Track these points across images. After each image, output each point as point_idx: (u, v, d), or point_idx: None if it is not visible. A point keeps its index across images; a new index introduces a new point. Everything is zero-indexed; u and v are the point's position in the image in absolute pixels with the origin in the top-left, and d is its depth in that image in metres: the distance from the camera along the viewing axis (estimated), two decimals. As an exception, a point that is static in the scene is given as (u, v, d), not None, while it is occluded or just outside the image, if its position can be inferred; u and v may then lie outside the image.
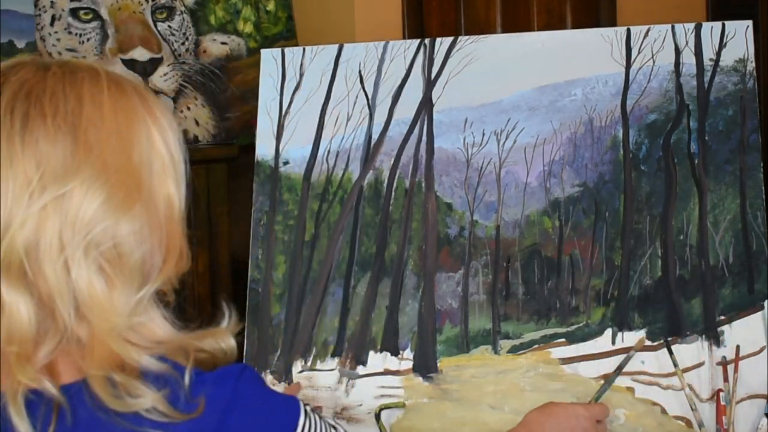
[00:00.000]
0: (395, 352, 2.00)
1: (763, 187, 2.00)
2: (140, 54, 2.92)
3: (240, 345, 2.04)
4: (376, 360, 2.00)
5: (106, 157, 1.06)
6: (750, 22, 2.07)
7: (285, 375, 2.01)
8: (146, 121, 1.11)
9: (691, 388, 1.90)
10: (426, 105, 2.11)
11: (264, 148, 2.12)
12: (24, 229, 1.00)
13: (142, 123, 1.10)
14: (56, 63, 1.12)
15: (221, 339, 1.15)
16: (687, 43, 2.07)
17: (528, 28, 3.42)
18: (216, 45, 3.06)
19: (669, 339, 1.95)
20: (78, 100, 1.08)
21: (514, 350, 1.99)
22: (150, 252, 1.09)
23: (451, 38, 2.13)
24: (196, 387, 1.07)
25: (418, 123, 2.10)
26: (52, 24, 2.87)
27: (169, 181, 1.12)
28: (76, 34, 2.89)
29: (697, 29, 2.07)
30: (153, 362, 1.06)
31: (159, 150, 1.11)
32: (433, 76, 2.12)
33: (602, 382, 1.90)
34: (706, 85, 2.05)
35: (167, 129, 1.13)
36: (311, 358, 2.02)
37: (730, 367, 1.91)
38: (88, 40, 2.90)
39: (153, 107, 1.13)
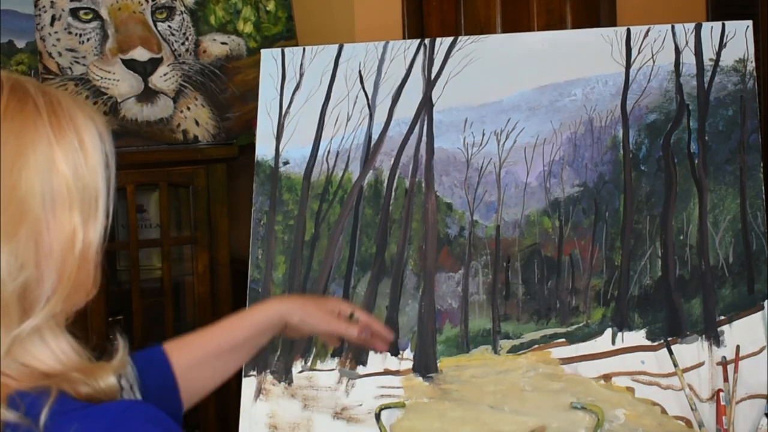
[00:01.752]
0: (395, 352, 2.00)
1: (763, 187, 2.00)
2: (140, 54, 2.92)
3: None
4: (376, 360, 2.00)
5: None
6: (750, 22, 2.07)
7: (285, 375, 2.01)
8: (50, 142, 1.02)
9: (691, 388, 1.90)
10: (426, 105, 2.11)
11: (264, 148, 2.12)
12: None
13: (41, 145, 1.02)
14: None
15: (100, 377, 1.06)
16: (687, 43, 2.07)
17: (528, 28, 3.42)
18: (216, 45, 3.06)
19: (669, 339, 1.95)
20: None
21: (514, 350, 1.99)
22: (35, 281, 1.02)
23: (451, 38, 2.13)
24: (58, 426, 0.98)
25: (418, 123, 2.10)
26: (52, 24, 2.87)
27: (72, 212, 1.03)
28: (76, 34, 2.89)
29: (697, 29, 2.07)
30: (5, 413, 0.97)
31: (62, 177, 1.03)
32: (433, 76, 2.12)
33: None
34: (706, 85, 2.05)
35: (83, 152, 1.05)
36: (311, 358, 2.02)
37: (730, 367, 1.91)
38: (88, 40, 2.90)
39: (68, 127, 1.05)
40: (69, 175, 1.03)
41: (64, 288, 1.04)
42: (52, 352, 1.05)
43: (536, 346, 1.98)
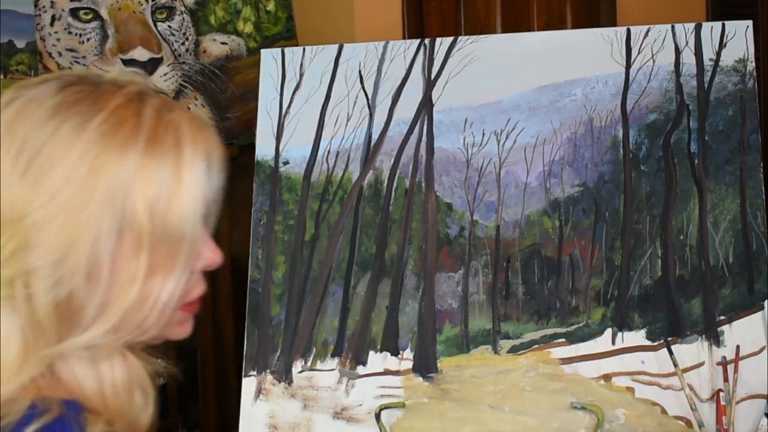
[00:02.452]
0: (395, 352, 2.00)
1: (763, 187, 2.00)
2: (140, 54, 2.92)
3: (240, 345, 2.04)
4: (376, 360, 2.00)
5: (56, 196, 0.96)
6: (750, 22, 2.07)
7: (285, 375, 2.01)
8: (133, 172, 0.97)
9: (691, 388, 1.90)
10: (426, 105, 2.11)
11: (264, 148, 2.12)
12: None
13: (119, 173, 0.96)
14: (78, 86, 1.02)
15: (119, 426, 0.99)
16: (687, 43, 2.07)
17: (528, 28, 3.42)
18: (216, 45, 3.06)
19: (669, 339, 1.95)
20: (54, 128, 0.98)
21: (514, 350, 1.99)
22: (78, 306, 0.97)
23: (451, 38, 2.13)
24: None
25: (418, 123, 2.10)
26: (52, 24, 2.87)
27: (139, 255, 0.97)
28: (76, 34, 2.89)
29: (697, 29, 2.07)
30: None
31: (136, 214, 0.97)
32: (433, 76, 2.12)
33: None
34: (706, 85, 2.05)
35: (176, 192, 0.98)
36: (311, 358, 2.02)
37: (730, 367, 1.91)
38: (88, 40, 2.90)
39: (166, 160, 0.98)
40: (144, 216, 0.97)
41: (107, 322, 0.98)
42: (97, 381, 1.00)
43: (536, 346, 1.98)
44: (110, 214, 0.96)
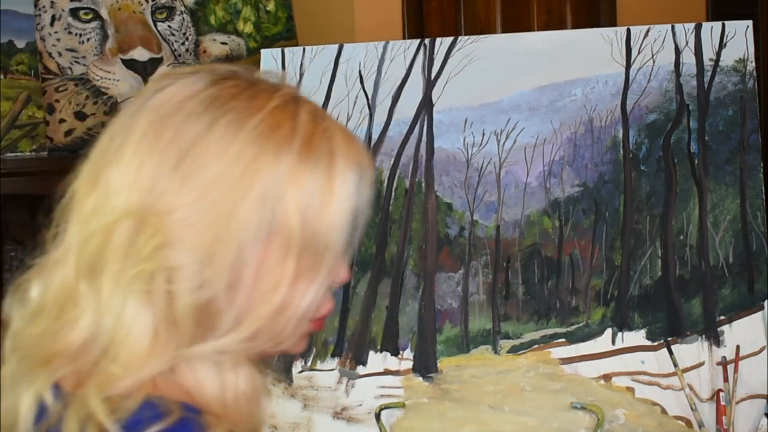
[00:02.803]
0: (395, 352, 2.00)
1: (763, 187, 2.00)
2: (140, 54, 2.92)
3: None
4: (376, 360, 2.00)
5: (209, 194, 0.93)
6: (750, 22, 2.07)
7: (285, 375, 2.01)
8: (286, 176, 0.94)
9: (691, 388, 1.90)
10: (426, 105, 2.11)
11: (264, 148, 2.12)
12: (102, 231, 0.95)
13: (277, 176, 0.94)
14: (236, 80, 1.00)
15: None
16: (687, 43, 2.07)
17: (528, 28, 3.42)
18: (216, 45, 3.06)
19: (669, 339, 1.95)
20: (209, 123, 0.96)
21: (514, 350, 1.99)
22: (218, 309, 0.94)
23: (451, 38, 2.13)
24: None
25: (418, 123, 2.10)
26: (52, 24, 2.87)
27: (287, 259, 0.94)
28: (76, 34, 2.89)
29: (697, 29, 2.07)
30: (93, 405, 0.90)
31: (287, 217, 0.94)
32: (433, 76, 2.12)
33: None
34: (706, 85, 2.05)
35: (327, 200, 0.95)
36: (311, 358, 2.02)
37: (730, 367, 1.91)
38: (88, 40, 2.90)
39: (319, 167, 0.95)
40: (295, 222, 0.94)
41: (246, 329, 0.95)
42: (220, 388, 0.96)
43: (536, 346, 1.98)
44: (261, 218, 0.93)
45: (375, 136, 2.11)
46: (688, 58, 2.06)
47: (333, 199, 0.96)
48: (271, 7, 3.16)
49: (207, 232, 0.92)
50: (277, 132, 0.95)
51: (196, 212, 0.92)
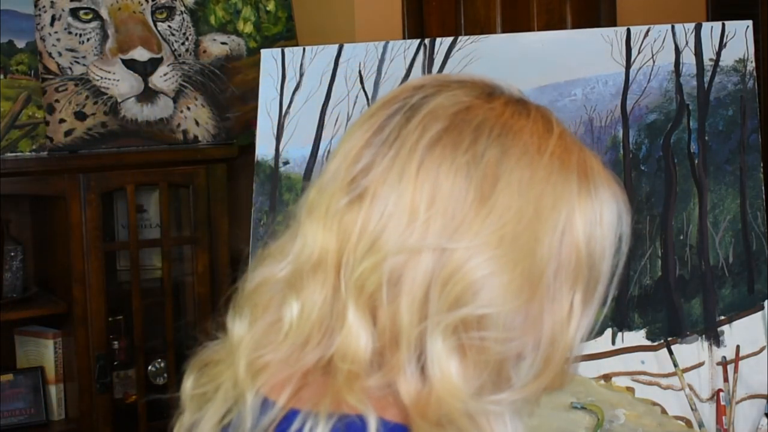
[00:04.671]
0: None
1: (763, 187, 2.00)
2: (140, 54, 2.92)
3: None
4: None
5: (510, 229, 0.86)
6: (750, 22, 2.07)
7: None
8: (574, 205, 0.90)
9: (691, 388, 1.90)
10: (426, 105, 2.11)
11: (264, 148, 2.12)
12: (389, 261, 0.86)
13: (569, 206, 0.89)
14: (507, 96, 0.94)
15: None
16: (687, 43, 2.07)
17: (528, 28, 3.41)
18: (216, 45, 3.06)
19: (669, 339, 1.95)
20: (502, 149, 0.89)
21: (514, 350, 1.99)
22: (514, 357, 0.89)
23: (451, 38, 2.13)
24: None
25: (418, 123, 2.10)
26: (52, 24, 2.87)
27: (576, 287, 0.91)
28: (76, 34, 2.89)
29: (697, 29, 2.07)
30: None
31: (575, 245, 0.89)
32: (433, 76, 2.12)
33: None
34: (706, 85, 2.05)
35: (601, 227, 0.91)
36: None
37: (730, 367, 1.91)
38: (88, 40, 2.90)
39: (594, 189, 0.91)
40: (583, 245, 0.90)
41: (548, 374, 0.91)
42: None
43: (536, 346, 1.98)
44: (559, 252, 0.89)
45: (375, 136, 2.11)
46: (688, 58, 2.06)
47: (604, 228, 0.92)
48: (271, 7, 3.15)
49: (512, 273, 0.87)
50: (570, 158, 0.92)
51: (493, 247, 0.87)
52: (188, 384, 1.00)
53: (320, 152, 2.11)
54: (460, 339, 0.86)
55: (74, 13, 2.92)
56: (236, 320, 0.96)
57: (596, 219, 0.91)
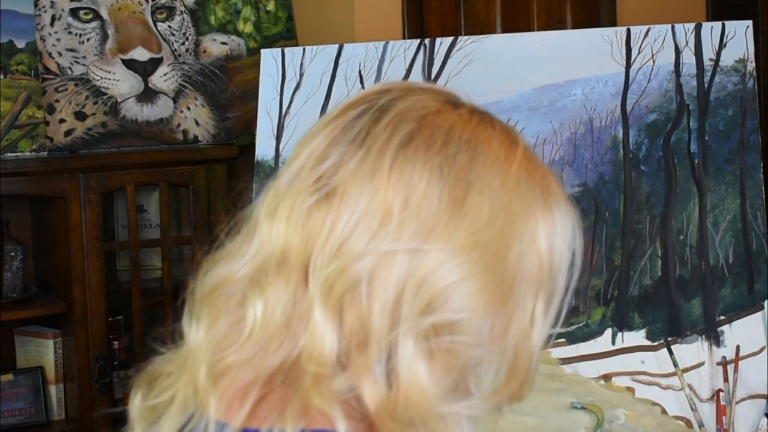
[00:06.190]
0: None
1: (763, 187, 2.00)
2: (140, 54, 2.92)
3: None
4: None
5: (483, 234, 0.87)
6: (750, 22, 2.07)
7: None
8: (538, 215, 0.91)
9: (691, 388, 1.90)
10: (426, 105, 2.11)
11: (264, 148, 2.12)
12: (360, 263, 0.86)
13: (534, 216, 0.90)
14: (470, 106, 0.96)
15: None
16: (687, 43, 2.07)
17: (528, 28, 3.41)
18: (216, 45, 3.06)
19: (669, 339, 1.95)
20: (473, 154, 0.89)
21: (514, 350, 1.99)
22: (480, 362, 0.90)
23: (451, 38, 2.13)
24: None
25: (418, 123, 2.10)
26: (52, 24, 2.87)
27: (538, 295, 0.91)
28: (76, 34, 2.89)
29: (697, 29, 2.07)
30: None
31: (538, 253, 0.91)
32: (433, 76, 2.12)
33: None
34: (706, 85, 2.05)
35: (557, 234, 0.92)
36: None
37: (730, 367, 1.91)
38: (88, 40, 2.90)
39: (554, 203, 0.92)
40: (545, 255, 0.91)
41: (514, 381, 0.91)
42: None
43: (536, 346, 1.98)
44: (524, 258, 0.90)
45: (375, 136, 2.11)
46: (688, 58, 2.06)
47: (558, 241, 0.93)
48: (271, 7, 3.16)
49: (484, 279, 0.88)
50: (533, 172, 0.92)
51: (467, 252, 0.87)
52: (137, 400, 0.97)
53: (320, 152, 2.11)
54: (429, 343, 0.86)
55: (74, 13, 2.92)
56: (193, 325, 0.94)
57: (556, 231, 0.92)
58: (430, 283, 0.86)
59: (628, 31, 2.09)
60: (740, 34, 2.06)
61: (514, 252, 0.89)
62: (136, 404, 0.96)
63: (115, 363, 2.85)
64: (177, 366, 0.95)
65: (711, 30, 2.07)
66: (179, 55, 3.00)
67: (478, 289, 0.87)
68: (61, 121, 2.85)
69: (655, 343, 1.95)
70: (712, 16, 3.56)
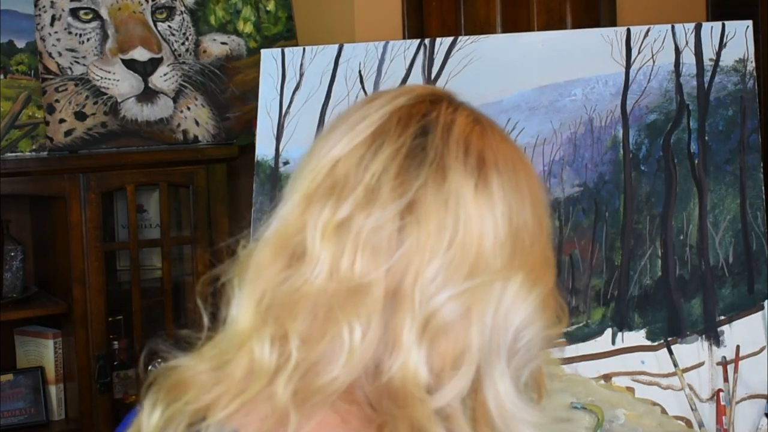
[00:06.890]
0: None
1: (763, 187, 2.00)
2: (140, 54, 2.92)
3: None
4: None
5: (536, 254, 0.94)
6: (750, 22, 2.07)
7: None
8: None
9: (691, 388, 1.90)
10: (426, 105, 2.11)
11: (264, 148, 2.12)
12: (462, 297, 0.89)
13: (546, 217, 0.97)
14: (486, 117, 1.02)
15: None
16: (687, 43, 2.07)
17: (528, 28, 3.41)
18: (216, 45, 3.06)
19: (669, 339, 1.95)
20: (514, 167, 0.95)
21: (514, 350, 1.99)
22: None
23: (451, 38, 2.13)
24: None
25: (418, 123, 2.10)
26: (52, 24, 2.87)
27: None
28: (76, 34, 2.89)
29: (697, 29, 2.07)
30: None
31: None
32: (433, 76, 2.12)
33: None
34: (706, 85, 2.05)
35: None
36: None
37: (730, 367, 1.91)
38: (88, 40, 2.90)
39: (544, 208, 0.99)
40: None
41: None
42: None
43: (536, 346, 1.98)
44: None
45: (375, 136, 2.11)
46: (688, 58, 2.06)
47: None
48: (271, 7, 3.16)
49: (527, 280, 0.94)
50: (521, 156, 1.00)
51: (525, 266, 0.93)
52: (155, 416, 0.93)
53: (320, 152, 2.11)
54: (513, 361, 0.91)
55: (74, 13, 2.92)
56: (265, 342, 0.90)
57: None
58: (516, 307, 0.91)
59: (628, 31, 2.09)
60: (740, 34, 2.06)
61: (549, 256, 0.97)
62: (153, 421, 0.93)
63: (115, 363, 2.85)
64: (205, 376, 0.94)
65: (711, 30, 2.07)
66: (179, 55, 3.00)
67: (537, 305, 0.93)
68: (61, 121, 2.85)
69: (655, 343, 1.95)
70: (712, 16, 3.56)
